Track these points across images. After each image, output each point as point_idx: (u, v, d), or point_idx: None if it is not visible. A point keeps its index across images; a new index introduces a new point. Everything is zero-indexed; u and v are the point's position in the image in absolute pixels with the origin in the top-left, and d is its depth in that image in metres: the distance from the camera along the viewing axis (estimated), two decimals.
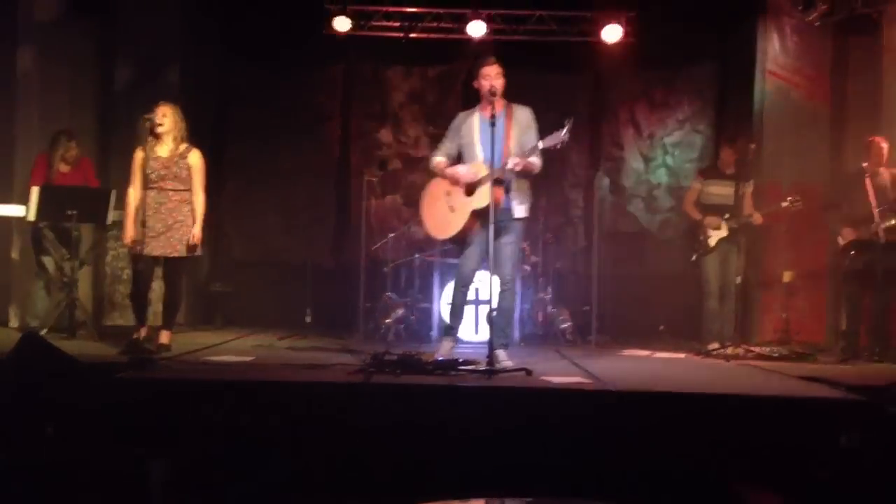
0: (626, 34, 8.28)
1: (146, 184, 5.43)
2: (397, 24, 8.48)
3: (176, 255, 5.60)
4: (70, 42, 7.64)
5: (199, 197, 5.66)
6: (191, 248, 5.60)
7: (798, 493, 3.57)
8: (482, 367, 4.72)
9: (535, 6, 8.39)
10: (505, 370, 4.79)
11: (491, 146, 4.90)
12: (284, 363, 5.25)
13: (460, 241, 5.29)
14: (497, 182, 4.99)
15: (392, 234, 7.79)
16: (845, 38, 7.82)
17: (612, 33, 8.28)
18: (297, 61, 8.97)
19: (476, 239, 5.13)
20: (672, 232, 8.89)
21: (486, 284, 5.07)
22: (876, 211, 6.15)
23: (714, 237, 6.66)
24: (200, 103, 8.23)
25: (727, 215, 6.62)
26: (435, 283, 7.23)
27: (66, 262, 6.60)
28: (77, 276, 6.55)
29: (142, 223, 5.30)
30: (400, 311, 7.36)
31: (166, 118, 5.58)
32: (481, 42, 8.33)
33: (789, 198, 6.62)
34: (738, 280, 6.60)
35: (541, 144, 4.91)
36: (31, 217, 6.49)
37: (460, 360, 4.86)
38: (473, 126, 5.21)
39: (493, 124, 4.88)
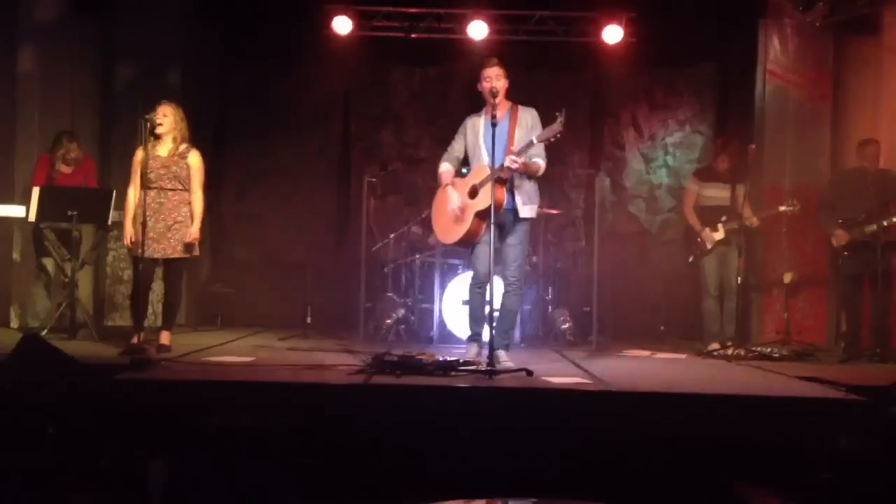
0: (627, 35, 8.27)
1: (145, 184, 5.44)
2: (398, 24, 8.48)
3: (175, 255, 5.60)
4: (71, 42, 7.64)
5: (197, 196, 5.66)
6: (187, 247, 5.60)
7: (798, 493, 3.57)
8: (483, 367, 4.72)
9: (535, 7, 8.39)
10: (506, 371, 4.79)
11: (492, 147, 4.92)
12: (285, 364, 5.25)
13: (468, 245, 5.29)
14: (499, 182, 5.00)
15: (393, 235, 7.78)
16: (846, 39, 7.83)
17: (612, 34, 8.28)
18: (298, 62, 8.97)
19: (484, 239, 5.11)
20: (673, 232, 8.87)
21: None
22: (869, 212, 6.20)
23: (711, 241, 6.67)
24: (201, 103, 8.24)
25: (724, 217, 6.63)
26: (436, 284, 7.23)
27: (66, 262, 6.61)
28: (78, 276, 6.56)
29: (142, 224, 5.30)
30: (400, 312, 7.35)
31: (166, 118, 5.59)
32: (482, 43, 8.32)
33: (787, 201, 6.64)
34: (739, 280, 6.60)
35: (535, 140, 4.91)
36: (32, 218, 6.50)
37: (461, 360, 4.86)
38: (478, 128, 5.23)
39: (494, 125, 4.90)
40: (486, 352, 4.96)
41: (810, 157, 7.77)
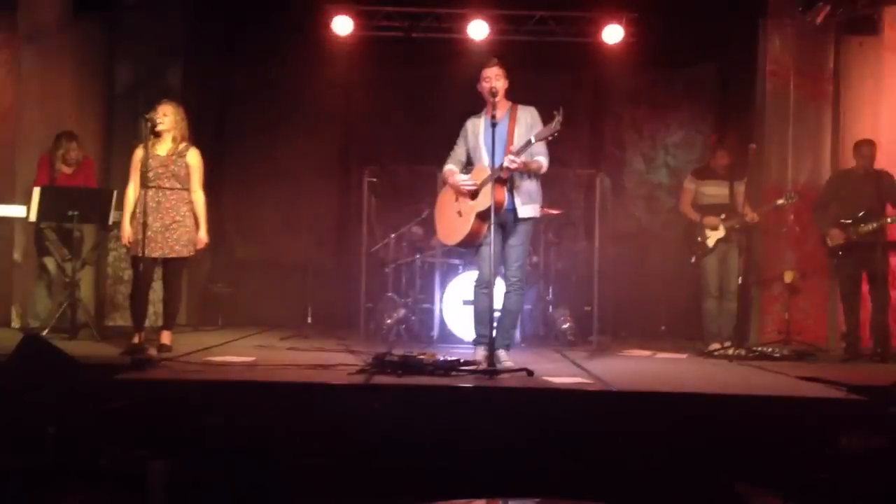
0: (627, 35, 8.27)
1: (144, 182, 5.44)
2: (398, 24, 8.48)
3: (174, 255, 5.61)
4: (72, 42, 7.64)
5: (198, 196, 5.67)
6: (187, 247, 5.61)
7: (798, 493, 3.57)
8: (483, 367, 4.72)
9: (535, 7, 8.39)
10: (506, 370, 4.79)
11: (492, 147, 4.91)
12: (286, 364, 5.24)
13: (469, 246, 5.29)
14: (499, 182, 5.00)
15: (393, 235, 7.78)
16: (847, 38, 7.83)
17: (613, 34, 8.28)
18: (299, 62, 8.97)
19: (487, 240, 5.11)
20: (673, 232, 8.88)
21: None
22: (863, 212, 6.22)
23: (712, 238, 6.66)
24: (202, 103, 8.24)
25: (723, 215, 6.62)
26: (436, 284, 7.23)
27: (67, 262, 6.61)
28: (79, 276, 6.57)
29: (143, 224, 5.31)
30: (401, 312, 7.35)
31: (167, 117, 5.59)
32: (482, 42, 8.32)
33: (785, 194, 6.63)
34: (739, 280, 6.60)
35: (533, 139, 4.91)
36: (32, 218, 6.50)
37: (461, 360, 4.87)
38: (479, 129, 5.23)
39: (493, 125, 4.90)
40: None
41: (811, 157, 7.76)
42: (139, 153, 5.55)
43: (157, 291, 6.15)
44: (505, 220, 5.13)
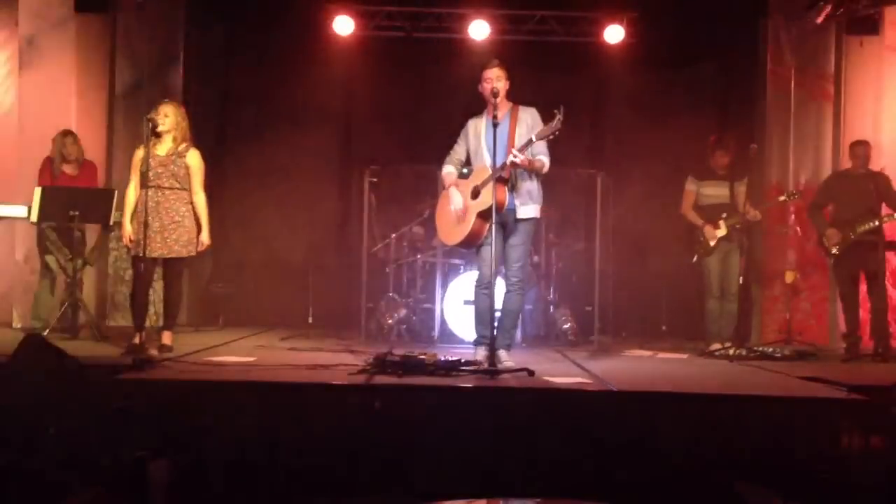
0: (628, 35, 8.27)
1: (144, 182, 5.44)
2: (399, 24, 8.48)
3: (174, 255, 5.61)
4: (72, 42, 7.64)
5: (199, 197, 5.67)
6: (187, 247, 5.61)
7: (798, 493, 3.57)
8: (484, 367, 4.72)
9: (536, 7, 8.39)
10: (507, 370, 4.79)
11: (493, 148, 4.92)
12: (286, 364, 5.25)
13: (470, 246, 5.29)
14: (500, 182, 5.00)
15: (394, 235, 7.79)
16: (847, 39, 7.83)
17: (614, 34, 8.28)
18: (299, 62, 8.96)
19: (488, 240, 5.10)
20: (674, 232, 8.87)
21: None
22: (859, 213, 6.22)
23: (714, 238, 6.67)
24: (202, 103, 8.25)
25: (724, 214, 6.62)
26: (437, 284, 7.23)
27: (68, 262, 6.62)
28: (80, 276, 6.57)
29: (144, 224, 5.31)
30: (402, 312, 7.36)
31: (167, 118, 5.60)
32: (483, 42, 8.32)
33: (788, 191, 6.63)
34: (740, 280, 6.59)
35: (534, 138, 4.92)
36: (34, 218, 6.50)
37: (462, 360, 4.87)
38: (480, 129, 5.24)
39: (495, 126, 4.90)
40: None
41: (812, 157, 7.76)
42: (139, 153, 5.56)
43: (157, 291, 6.16)
44: (506, 220, 5.13)
